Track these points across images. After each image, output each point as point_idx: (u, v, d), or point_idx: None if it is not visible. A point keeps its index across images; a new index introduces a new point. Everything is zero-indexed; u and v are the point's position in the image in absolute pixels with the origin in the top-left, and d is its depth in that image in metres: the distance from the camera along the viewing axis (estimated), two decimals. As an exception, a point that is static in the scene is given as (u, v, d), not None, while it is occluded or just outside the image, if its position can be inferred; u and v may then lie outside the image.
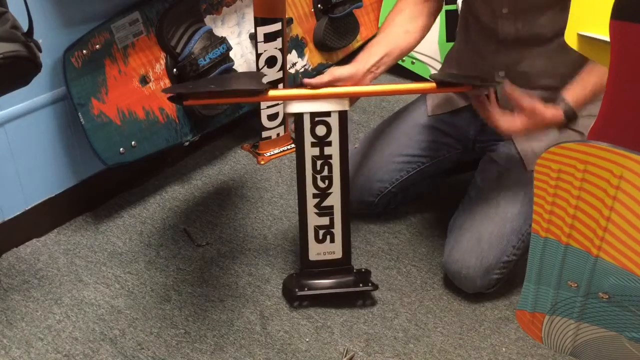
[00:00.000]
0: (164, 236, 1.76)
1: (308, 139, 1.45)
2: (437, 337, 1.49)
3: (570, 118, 1.34)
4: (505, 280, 1.56)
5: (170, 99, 1.41)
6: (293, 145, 1.54)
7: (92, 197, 1.82)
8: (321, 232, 1.51)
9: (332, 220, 1.50)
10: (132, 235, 1.76)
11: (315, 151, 1.45)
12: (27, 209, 1.69)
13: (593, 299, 1.00)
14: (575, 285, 1.01)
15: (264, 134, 2.07)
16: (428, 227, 1.80)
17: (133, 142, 1.70)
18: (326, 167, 1.46)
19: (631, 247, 0.91)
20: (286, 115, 1.71)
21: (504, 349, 1.47)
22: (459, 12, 1.82)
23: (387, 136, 1.72)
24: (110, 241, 1.73)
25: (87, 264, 1.65)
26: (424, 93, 1.70)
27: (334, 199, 1.49)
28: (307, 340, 1.48)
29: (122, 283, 1.60)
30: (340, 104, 1.43)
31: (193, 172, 2.01)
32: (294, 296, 1.53)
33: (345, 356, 1.43)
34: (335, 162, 1.46)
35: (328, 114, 1.43)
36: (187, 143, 1.85)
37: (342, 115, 1.44)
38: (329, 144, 1.45)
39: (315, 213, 1.49)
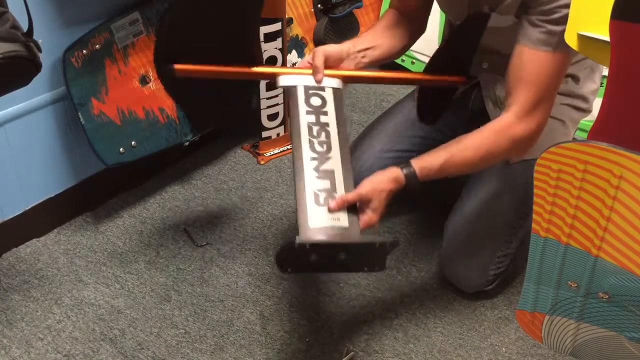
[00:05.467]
0: (164, 236, 1.76)
1: (302, 107, 1.33)
2: (437, 337, 1.49)
3: (412, 180, 1.30)
4: (504, 276, 1.57)
5: (160, 70, 1.34)
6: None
7: (92, 197, 1.82)
8: (322, 195, 1.24)
9: (334, 185, 1.27)
10: (132, 235, 1.76)
11: (311, 118, 1.32)
12: (27, 209, 1.69)
13: (593, 299, 1.00)
14: (575, 285, 1.01)
15: (264, 134, 2.07)
16: (428, 227, 1.80)
17: (133, 142, 1.70)
18: (323, 133, 1.31)
19: (631, 247, 0.91)
20: (283, 90, 1.60)
21: (504, 349, 1.47)
22: None
23: (379, 133, 1.74)
24: (110, 241, 1.73)
25: (87, 264, 1.65)
26: (416, 83, 1.70)
27: (335, 164, 1.29)
28: (307, 340, 1.48)
29: (122, 283, 1.60)
30: (334, 82, 1.37)
31: (193, 172, 2.01)
32: (293, 250, 1.17)
33: (345, 356, 1.43)
34: (333, 130, 1.32)
35: (322, 88, 1.36)
36: (187, 143, 1.85)
37: (337, 92, 1.37)
38: (325, 113, 1.34)
39: (315, 177, 1.26)
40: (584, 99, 1.58)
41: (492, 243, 1.51)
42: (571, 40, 0.97)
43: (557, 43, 1.27)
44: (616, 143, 0.88)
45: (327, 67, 1.39)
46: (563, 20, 1.22)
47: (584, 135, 1.95)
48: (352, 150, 1.77)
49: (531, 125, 1.33)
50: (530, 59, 1.30)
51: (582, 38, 0.96)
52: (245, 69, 1.40)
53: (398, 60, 2.46)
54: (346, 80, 1.45)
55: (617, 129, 0.93)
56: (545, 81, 1.31)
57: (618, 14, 0.87)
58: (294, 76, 1.37)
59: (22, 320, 1.50)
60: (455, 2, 1.48)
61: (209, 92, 1.46)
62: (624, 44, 0.88)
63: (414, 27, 1.58)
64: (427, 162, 1.32)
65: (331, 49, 1.41)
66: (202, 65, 1.34)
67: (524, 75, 1.32)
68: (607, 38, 0.90)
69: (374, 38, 1.50)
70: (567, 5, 1.19)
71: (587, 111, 1.61)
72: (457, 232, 1.55)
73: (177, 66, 1.32)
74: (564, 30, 1.24)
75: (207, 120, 1.74)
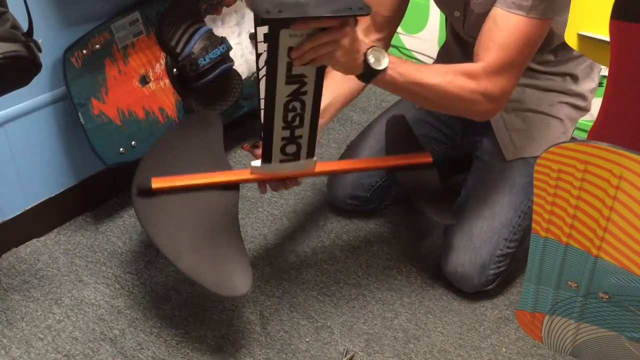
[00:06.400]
0: (164, 236, 1.75)
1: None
2: (437, 337, 1.49)
3: (376, 54, 1.21)
4: (505, 275, 1.57)
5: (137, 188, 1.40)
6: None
7: (92, 197, 1.82)
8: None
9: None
10: (132, 235, 1.76)
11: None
12: (27, 209, 1.69)
13: (593, 299, 1.00)
14: (575, 285, 1.01)
15: (264, 134, 2.07)
16: (428, 228, 1.80)
17: (133, 142, 1.70)
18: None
19: (631, 247, 0.91)
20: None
21: (504, 349, 1.47)
22: None
23: (378, 132, 1.74)
24: (110, 241, 1.73)
25: (87, 264, 1.65)
26: (381, 168, 1.69)
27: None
28: (307, 340, 1.48)
29: (122, 283, 1.60)
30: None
31: (193, 172, 2.01)
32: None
33: (345, 356, 1.43)
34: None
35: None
36: (187, 143, 1.85)
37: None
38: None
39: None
40: (583, 97, 1.58)
41: (491, 243, 1.51)
42: (571, 40, 0.97)
43: (530, 7, 1.25)
44: (616, 143, 0.88)
45: None
46: None
47: (584, 135, 1.95)
48: (352, 149, 1.77)
49: (493, 87, 1.29)
50: (503, 23, 1.28)
51: (582, 38, 0.96)
52: (225, 175, 1.47)
53: (398, 60, 2.46)
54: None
55: (617, 129, 0.93)
56: (517, 46, 1.28)
57: (618, 14, 0.87)
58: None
59: (22, 320, 1.50)
60: None
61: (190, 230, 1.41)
62: (624, 44, 0.88)
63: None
64: (398, 59, 1.27)
65: None
66: (179, 177, 1.42)
67: (496, 37, 1.29)
68: (607, 38, 0.90)
69: (330, 91, 1.45)
70: None
71: (585, 110, 1.61)
72: (456, 233, 1.55)
73: (154, 179, 1.38)
74: None
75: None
